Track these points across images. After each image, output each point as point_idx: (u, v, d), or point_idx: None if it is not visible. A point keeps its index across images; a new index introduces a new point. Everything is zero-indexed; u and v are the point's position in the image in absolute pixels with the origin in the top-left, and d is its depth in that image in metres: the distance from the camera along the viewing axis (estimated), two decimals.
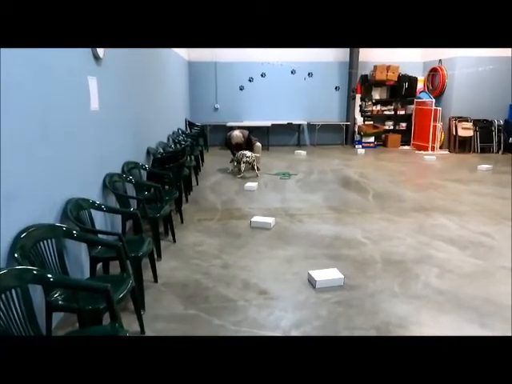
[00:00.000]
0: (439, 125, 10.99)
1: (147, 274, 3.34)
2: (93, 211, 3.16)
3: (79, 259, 3.10)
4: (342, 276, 3.37)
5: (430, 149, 11.04)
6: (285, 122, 11.67)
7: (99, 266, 3.08)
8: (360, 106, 12.11)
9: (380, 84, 11.87)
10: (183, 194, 5.57)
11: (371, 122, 12.02)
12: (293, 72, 11.87)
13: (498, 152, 10.97)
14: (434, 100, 11.08)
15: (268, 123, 11.42)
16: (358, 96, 12.01)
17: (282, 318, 2.90)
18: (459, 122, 10.88)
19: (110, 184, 3.70)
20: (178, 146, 7.17)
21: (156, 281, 3.38)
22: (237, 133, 8.31)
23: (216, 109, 11.97)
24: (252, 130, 9.46)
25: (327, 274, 3.39)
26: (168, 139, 7.30)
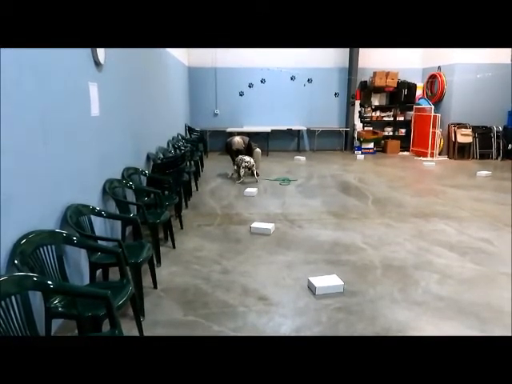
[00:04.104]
0: (438, 131, 11.02)
1: (147, 280, 3.33)
2: (92, 217, 3.16)
3: (79, 265, 3.09)
4: (342, 283, 3.36)
5: (429, 155, 11.06)
6: (284, 128, 11.69)
7: (99, 272, 3.07)
8: (359, 111, 12.16)
9: (379, 90, 11.91)
10: (183, 200, 5.57)
11: (370, 128, 12.05)
12: (292, 78, 11.92)
13: (497, 158, 10.99)
14: (433, 106, 11.12)
15: (268, 129, 11.44)
16: (358, 102, 12.06)
17: (282, 324, 2.88)
18: (458, 128, 10.91)
19: (110, 190, 3.70)
20: (177, 151, 7.18)
21: (155, 287, 3.37)
22: (237, 139, 8.32)
23: (216, 114, 12.01)
24: (252, 135, 9.48)
25: (327, 281, 3.38)
26: (168, 144, 7.31)
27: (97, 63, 3.61)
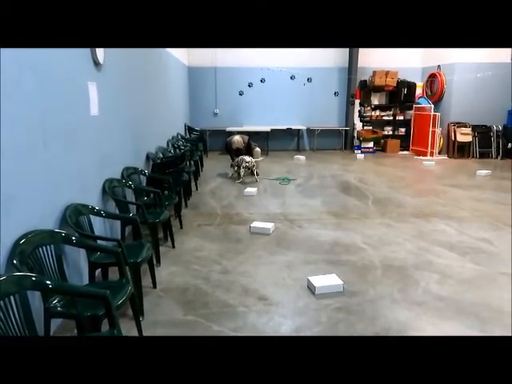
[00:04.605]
0: (438, 130, 11.01)
1: (146, 280, 3.33)
2: (92, 217, 3.16)
3: (78, 265, 3.09)
4: (342, 282, 3.36)
5: (428, 154, 11.06)
6: (284, 127, 11.69)
7: (98, 271, 3.07)
8: (359, 111, 12.16)
9: (379, 89, 11.91)
10: (183, 199, 5.56)
11: (370, 127, 12.05)
12: (292, 77, 11.91)
13: (496, 157, 10.99)
14: (432, 105, 11.12)
15: (267, 128, 11.44)
16: (357, 101, 12.05)
17: (282, 324, 2.88)
18: (458, 127, 10.91)
19: (109, 189, 3.70)
20: (177, 150, 7.17)
21: (155, 286, 3.37)
22: (237, 138, 8.33)
23: (215, 114, 12.00)
24: (251, 135, 9.47)
25: (327, 280, 3.38)
26: (167, 144, 7.31)
27: (96, 63, 3.60)
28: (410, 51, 11.71)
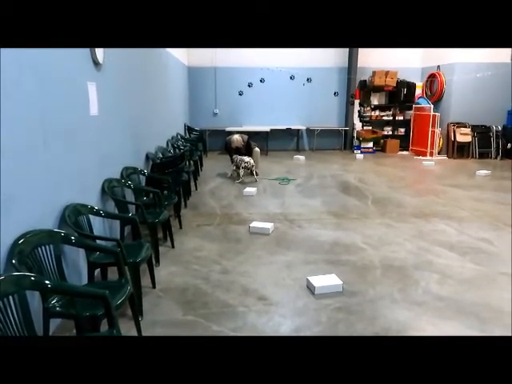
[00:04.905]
0: (438, 130, 11.02)
1: (145, 280, 3.32)
2: (91, 216, 3.15)
3: (77, 265, 3.09)
4: (341, 282, 3.36)
5: (428, 154, 11.07)
6: (284, 127, 11.69)
7: (97, 271, 3.07)
8: (359, 111, 12.16)
9: (379, 89, 11.91)
10: (182, 199, 5.56)
11: (370, 128, 12.05)
12: (292, 77, 11.91)
13: (496, 158, 10.99)
14: (432, 105, 11.12)
15: (267, 128, 11.44)
16: (357, 101, 12.06)
17: (282, 323, 2.88)
18: (457, 127, 10.91)
19: (108, 189, 3.69)
20: (177, 150, 7.17)
21: (154, 286, 3.36)
22: (237, 137, 8.33)
23: (215, 114, 12.00)
24: (251, 135, 9.47)
25: (326, 280, 3.38)
26: (167, 144, 7.30)
27: (95, 63, 3.60)
28: (409, 51, 11.71)
